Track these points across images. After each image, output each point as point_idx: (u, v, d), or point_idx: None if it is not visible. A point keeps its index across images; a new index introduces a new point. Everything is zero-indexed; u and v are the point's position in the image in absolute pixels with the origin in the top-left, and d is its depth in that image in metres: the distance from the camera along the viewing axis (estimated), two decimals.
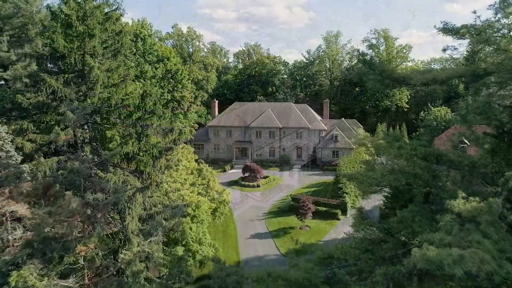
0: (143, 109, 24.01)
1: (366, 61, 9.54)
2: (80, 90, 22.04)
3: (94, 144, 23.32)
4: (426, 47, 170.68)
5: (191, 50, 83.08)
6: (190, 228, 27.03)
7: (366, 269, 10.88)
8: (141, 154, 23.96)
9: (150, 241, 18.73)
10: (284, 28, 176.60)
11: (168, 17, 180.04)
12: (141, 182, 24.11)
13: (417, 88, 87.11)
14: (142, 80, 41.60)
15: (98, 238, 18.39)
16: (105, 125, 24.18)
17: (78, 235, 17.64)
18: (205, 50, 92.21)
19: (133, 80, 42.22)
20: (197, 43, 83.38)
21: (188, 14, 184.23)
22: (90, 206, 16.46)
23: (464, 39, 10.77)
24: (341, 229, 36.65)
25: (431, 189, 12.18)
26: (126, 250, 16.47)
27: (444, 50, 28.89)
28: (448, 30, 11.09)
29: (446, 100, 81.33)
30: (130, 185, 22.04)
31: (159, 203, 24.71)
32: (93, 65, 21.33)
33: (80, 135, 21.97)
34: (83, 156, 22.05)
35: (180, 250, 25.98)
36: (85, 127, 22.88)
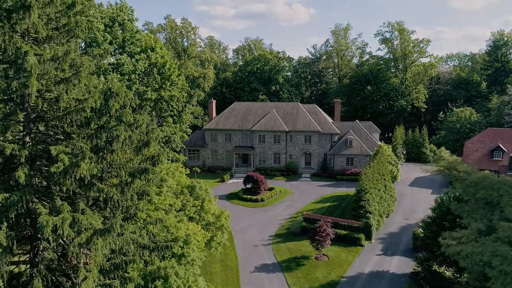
0: (107, 115, 17.64)
1: None
2: (10, 88, 15.12)
3: (38, 164, 16.90)
4: (430, 44, 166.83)
5: (186, 44, 75.73)
6: (177, 274, 20.38)
7: None
8: (107, 177, 17.99)
9: None
10: (284, 26, 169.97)
11: (163, 14, 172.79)
12: (109, 213, 17.79)
13: (434, 86, 79.87)
14: (118, 75, 34.01)
15: None
16: (57, 137, 17.69)
17: None
18: (202, 44, 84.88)
19: (103, 74, 35.10)
20: (193, 37, 76.02)
21: (186, 11, 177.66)
22: None
23: None
24: (366, 259, 29.75)
25: None
26: None
27: None
28: None
29: (467, 100, 74.21)
30: (84, 226, 15.51)
31: (133, 242, 18.24)
32: (26, 49, 14.66)
33: (13, 153, 15.39)
34: (16, 183, 15.61)
35: None
36: (27, 139, 16.42)
